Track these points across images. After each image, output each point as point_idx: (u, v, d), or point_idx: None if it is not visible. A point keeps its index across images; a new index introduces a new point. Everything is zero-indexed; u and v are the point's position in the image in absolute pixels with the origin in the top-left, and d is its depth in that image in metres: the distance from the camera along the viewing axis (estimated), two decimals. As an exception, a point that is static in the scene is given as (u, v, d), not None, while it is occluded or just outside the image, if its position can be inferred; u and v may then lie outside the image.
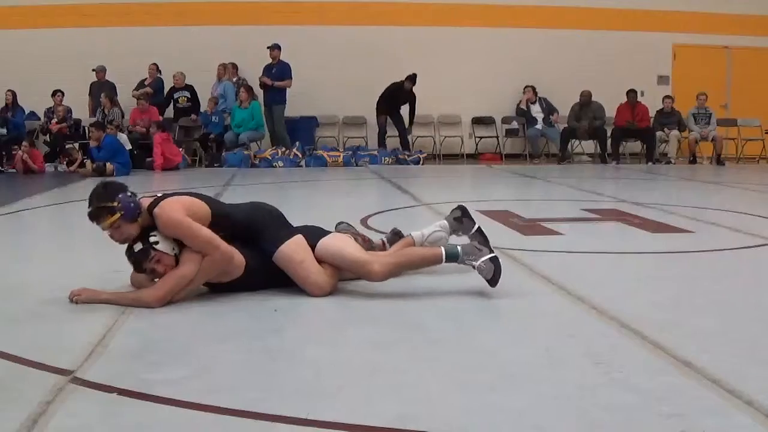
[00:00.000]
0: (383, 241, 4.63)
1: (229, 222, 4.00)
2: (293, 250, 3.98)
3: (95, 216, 3.85)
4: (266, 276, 4.01)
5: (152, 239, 3.83)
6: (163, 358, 3.09)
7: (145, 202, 3.90)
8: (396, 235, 4.66)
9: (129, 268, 4.00)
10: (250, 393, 2.65)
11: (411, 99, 14.87)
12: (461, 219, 4.44)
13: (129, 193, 3.87)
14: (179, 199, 3.93)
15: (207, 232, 3.84)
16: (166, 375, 2.85)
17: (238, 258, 3.91)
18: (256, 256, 3.98)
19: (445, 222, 4.46)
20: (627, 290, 4.26)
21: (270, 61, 14.26)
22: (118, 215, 3.80)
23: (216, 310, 3.77)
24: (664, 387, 2.70)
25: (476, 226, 4.42)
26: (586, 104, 14.81)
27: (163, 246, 3.84)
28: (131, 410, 2.54)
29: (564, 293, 4.09)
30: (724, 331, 3.43)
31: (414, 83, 14.71)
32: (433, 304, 3.93)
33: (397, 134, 14.94)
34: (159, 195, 3.97)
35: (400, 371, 2.91)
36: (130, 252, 3.89)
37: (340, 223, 4.69)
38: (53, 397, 2.61)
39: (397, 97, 14.84)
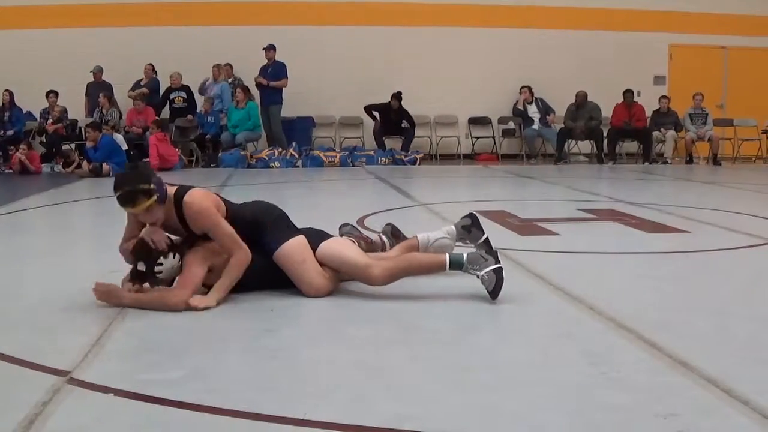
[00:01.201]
0: (380, 239, 4.62)
1: (237, 220, 4.00)
2: (294, 250, 3.97)
3: (130, 198, 3.71)
4: (266, 277, 4.00)
5: (157, 269, 3.80)
6: (160, 359, 3.09)
7: (169, 189, 3.88)
8: (391, 228, 4.66)
9: (125, 268, 3.99)
10: (247, 393, 2.65)
11: (408, 118, 14.95)
12: (470, 228, 4.39)
13: (159, 178, 3.83)
14: (208, 194, 3.95)
15: (232, 229, 3.86)
16: (163, 375, 2.85)
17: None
18: (258, 257, 3.97)
19: (453, 228, 4.43)
20: (623, 290, 4.27)
21: (266, 62, 14.27)
22: (155, 197, 3.74)
23: (212, 310, 3.76)
24: (661, 387, 2.70)
25: (484, 237, 4.37)
26: (581, 105, 14.82)
27: (165, 273, 3.82)
28: (128, 411, 2.54)
29: (560, 293, 4.10)
30: (720, 331, 3.44)
31: (400, 101, 14.80)
32: (429, 304, 3.93)
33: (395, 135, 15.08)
34: (174, 185, 3.95)
35: (397, 371, 2.91)
36: (133, 267, 3.84)
37: (344, 225, 4.67)
38: (50, 398, 2.60)
39: (389, 117, 14.93)
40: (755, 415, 2.43)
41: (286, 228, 4.09)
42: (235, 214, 4.02)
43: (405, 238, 4.60)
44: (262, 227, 4.03)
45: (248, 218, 4.05)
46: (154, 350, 3.23)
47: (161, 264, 3.81)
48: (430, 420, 2.42)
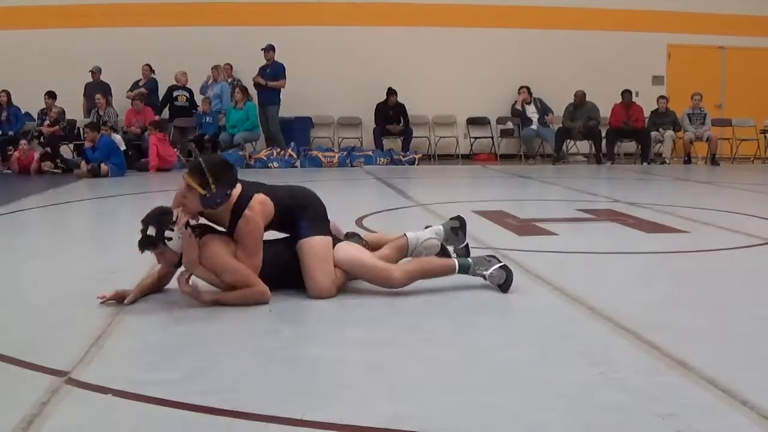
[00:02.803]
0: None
1: (280, 207, 4.03)
2: (322, 246, 4.02)
3: (193, 171, 3.83)
4: (278, 278, 3.98)
5: (167, 234, 3.78)
6: (158, 359, 3.09)
7: (235, 191, 3.92)
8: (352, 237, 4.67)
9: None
10: (246, 394, 2.65)
11: (403, 112, 14.96)
12: (457, 231, 4.52)
13: (228, 192, 3.87)
14: (264, 203, 3.95)
15: (258, 261, 3.89)
16: (162, 376, 2.84)
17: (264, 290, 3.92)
18: (285, 252, 4.00)
19: (441, 229, 4.49)
20: (622, 290, 4.27)
21: (265, 62, 14.27)
22: (201, 192, 3.80)
23: (211, 310, 3.76)
24: (659, 387, 2.70)
25: (465, 242, 4.54)
26: (580, 104, 14.82)
27: (173, 244, 3.80)
28: (126, 411, 2.54)
29: (559, 293, 4.10)
30: (719, 330, 3.44)
31: (396, 94, 14.83)
32: (428, 303, 3.93)
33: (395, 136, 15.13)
34: (243, 184, 3.99)
35: (396, 371, 2.92)
36: (142, 230, 3.81)
37: (352, 235, 4.65)
38: (48, 398, 2.60)
39: (387, 114, 14.93)
40: (754, 415, 2.43)
41: (322, 222, 4.14)
42: (279, 204, 4.03)
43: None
44: (301, 210, 4.06)
45: (289, 201, 4.07)
46: (152, 350, 3.23)
47: (172, 230, 3.79)
48: (430, 420, 2.42)
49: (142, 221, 3.84)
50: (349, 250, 4.12)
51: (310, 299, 3.94)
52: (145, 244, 3.81)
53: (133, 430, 2.39)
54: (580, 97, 14.85)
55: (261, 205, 3.94)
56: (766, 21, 16.67)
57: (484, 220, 6.69)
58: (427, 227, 4.51)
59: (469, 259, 4.21)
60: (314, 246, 4.00)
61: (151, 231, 3.79)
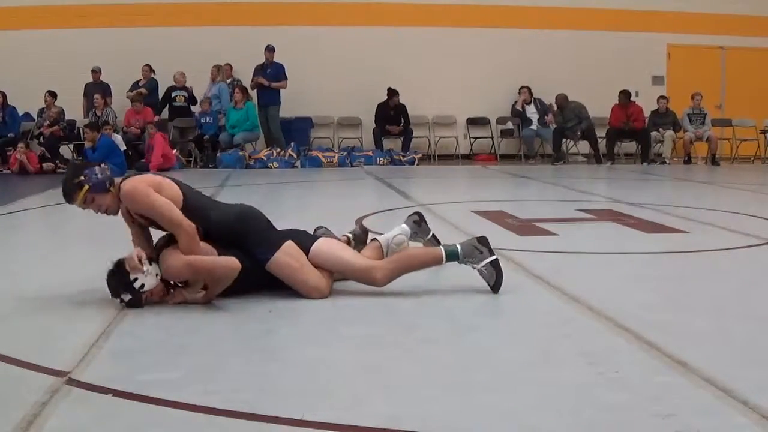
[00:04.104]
0: (347, 238, 4.59)
1: (208, 218, 3.96)
2: (290, 256, 3.96)
3: (68, 195, 3.91)
4: (253, 279, 3.95)
5: (137, 285, 3.75)
6: (159, 360, 3.09)
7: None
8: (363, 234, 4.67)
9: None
10: (245, 394, 2.65)
11: (404, 113, 14.98)
12: (420, 222, 4.52)
13: (97, 169, 3.90)
14: (147, 176, 4.03)
15: (171, 207, 3.84)
16: (161, 376, 2.85)
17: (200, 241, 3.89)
18: (242, 259, 3.93)
19: (405, 226, 4.49)
20: (622, 290, 4.26)
21: (263, 61, 14.27)
22: (86, 188, 3.84)
23: (210, 311, 3.76)
24: (659, 387, 2.70)
25: (430, 233, 4.55)
26: (563, 107, 14.80)
27: (148, 283, 3.79)
28: (126, 412, 2.54)
29: (559, 293, 4.10)
30: (718, 330, 3.44)
31: (398, 95, 14.84)
32: (426, 303, 3.93)
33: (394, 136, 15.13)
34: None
35: (395, 371, 2.92)
36: (120, 300, 3.79)
37: (319, 228, 4.65)
38: (48, 398, 2.60)
39: (387, 115, 14.95)
40: (754, 415, 2.43)
41: (271, 235, 4.04)
42: (206, 212, 3.99)
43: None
44: (244, 238, 3.97)
45: (229, 226, 4.00)
46: (152, 351, 3.23)
47: (136, 279, 3.77)
48: (428, 420, 2.42)
49: (113, 297, 3.82)
50: (327, 249, 4.07)
51: (308, 300, 3.93)
52: (135, 305, 3.79)
53: (133, 430, 2.39)
54: (561, 100, 14.84)
55: (136, 177, 3.96)
56: (766, 21, 16.66)
57: (484, 220, 6.70)
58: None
59: (457, 245, 4.10)
60: (282, 261, 3.94)
61: (126, 296, 3.78)
